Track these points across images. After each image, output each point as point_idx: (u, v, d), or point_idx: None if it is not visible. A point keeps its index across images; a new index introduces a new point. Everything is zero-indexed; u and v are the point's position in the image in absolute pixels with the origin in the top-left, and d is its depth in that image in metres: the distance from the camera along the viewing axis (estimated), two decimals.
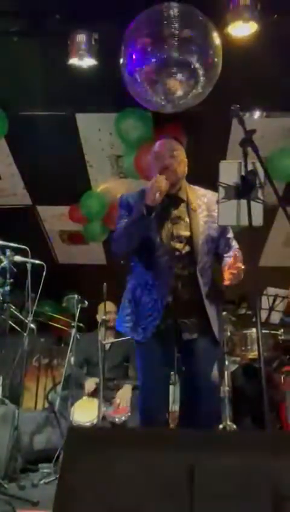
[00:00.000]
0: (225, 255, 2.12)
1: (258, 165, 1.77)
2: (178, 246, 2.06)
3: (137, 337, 2.09)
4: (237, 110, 1.80)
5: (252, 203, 1.72)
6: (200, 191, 2.18)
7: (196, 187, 2.20)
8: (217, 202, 1.84)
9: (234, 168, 1.80)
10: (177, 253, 2.06)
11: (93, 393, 3.51)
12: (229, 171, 1.81)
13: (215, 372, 2.12)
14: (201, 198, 2.15)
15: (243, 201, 1.75)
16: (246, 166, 1.74)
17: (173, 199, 2.10)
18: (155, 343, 2.05)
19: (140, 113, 3.80)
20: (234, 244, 2.16)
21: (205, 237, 2.08)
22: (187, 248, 2.07)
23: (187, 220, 2.10)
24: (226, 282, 2.00)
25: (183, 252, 2.07)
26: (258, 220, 1.77)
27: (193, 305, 2.05)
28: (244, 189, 1.75)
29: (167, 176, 2.01)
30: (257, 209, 1.76)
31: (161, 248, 2.05)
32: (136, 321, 2.09)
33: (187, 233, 2.08)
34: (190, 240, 2.07)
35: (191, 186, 2.19)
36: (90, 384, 3.58)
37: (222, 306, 2.31)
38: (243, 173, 1.75)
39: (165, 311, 2.03)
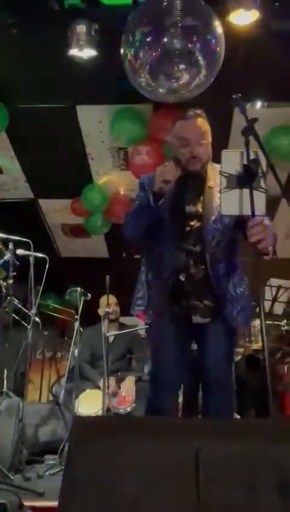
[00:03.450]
0: None
1: (260, 153, 1.76)
2: (190, 222, 2.01)
3: (149, 320, 2.05)
4: (239, 99, 1.78)
5: (255, 192, 1.71)
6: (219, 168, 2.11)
7: (217, 165, 2.05)
8: (220, 192, 1.81)
9: (237, 157, 1.78)
10: (187, 229, 2.00)
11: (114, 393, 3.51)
12: (231, 160, 1.79)
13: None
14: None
15: (246, 191, 1.74)
16: (248, 155, 1.72)
17: (189, 176, 2.03)
18: (168, 328, 2.00)
19: (133, 114, 3.83)
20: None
21: (217, 216, 1.99)
22: (198, 225, 2.01)
23: (202, 197, 2.04)
24: (250, 240, 1.75)
25: (194, 228, 2.01)
26: (260, 209, 1.76)
27: (207, 285, 1.98)
28: (247, 178, 1.74)
29: (193, 163, 1.97)
30: (260, 198, 1.75)
31: (171, 225, 2.00)
32: (148, 303, 2.05)
33: (200, 210, 2.02)
34: (201, 217, 2.01)
35: (213, 164, 2.10)
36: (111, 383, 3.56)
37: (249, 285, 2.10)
38: (245, 162, 1.74)
39: (178, 291, 1.98)
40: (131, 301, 2.15)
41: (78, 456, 1.04)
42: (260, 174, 1.78)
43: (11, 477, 2.65)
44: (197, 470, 0.98)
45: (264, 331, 1.63)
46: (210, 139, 2.06)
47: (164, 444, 1.04)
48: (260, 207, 1.76)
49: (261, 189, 1.79)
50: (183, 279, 1.98)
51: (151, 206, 1.92)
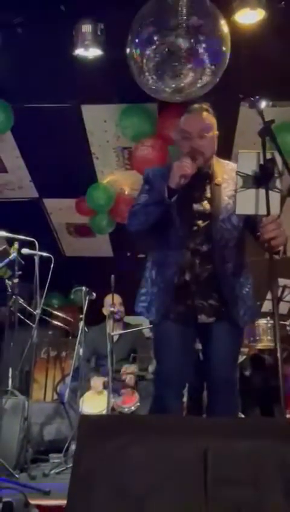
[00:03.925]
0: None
1: (276, 154, 1.76)
2: (197, 221, 1.97)
3: (153, 318, 2.01)
4: (255, 101, 1.79)
5: (270, 192, 1.71)
6: (229, 165, 2.05)
7: (225, 161, 2.08)
8: (235, 191, 1.80)
9: (253, 158, 1.77)
10: (195, 228, 1.97)
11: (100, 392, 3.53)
12: (248, 161, 1.79)
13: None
14: (229, 172, 2.00)
15: (261, 191, 1.73)
16: (265, 155, 1.72)
17: (196, 174, 1.95)
18: (172, 326, 1.97)
19: (142, 110, 3.83)
20: None
21: (229, 212, 1.96)
22: (206, 223, 1.97)
23: (209, 195, 2.00)
24: (264, 236, 1.73)
25: (202, 226, 1.97)
26: (275, 209, 1.76)
27: (212, 285, 1.95)
28: (263, 178, 1.74)
29: (195, 158, 1.90)
30: (275, 198, 1.75)
31: (178, 223, 1.95)
32: (150, 301, 2.01)
33: (208, 207, 1.98)
34: (209, 215, 1.97)
35: (220, 160, 2.07)
36: (97, 382, 3.58)
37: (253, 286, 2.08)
38: (261, 162, 1.74)
39: (182, 290, 1.95)
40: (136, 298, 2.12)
41: (85, 455, 1.04)
42: (276, 175, 1.78)
43: (17, 475, 2.67)
44: (205, 469, 0.98)
45: (278, 331, 1.62)
46: (216, 133, 2.02)
47: (171, 443, 1.04)
48: (275, 207, 1.77)
49: (277, 190, 1.79)
50: (188, 279, 1.96)
51: (164, 201, 1.86)
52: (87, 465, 1.03)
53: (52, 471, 2.86)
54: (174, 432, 1.08)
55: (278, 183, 1.75)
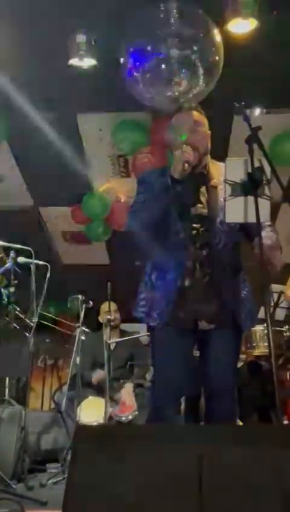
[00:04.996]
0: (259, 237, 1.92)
1: (264, 161, 1.77)
2: (195, 224, 1.96)
3: (152, 323, 1.98)
4: (242, 108, 1.80)
5: (259, 199, 1.72)
6: (222, 166, 2.03)
7: (220, 163, 2.05)
8: (224, 200, 1.81)
9: (241, 165, 1.78)
10: (194, 231, 1.96)
11: (99, 385, 3.52)
12: (235, 168, 1.79)
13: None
14: (223, 174, 1.97)
15: (250, 198, 1.74)
16: (252, 163, 1.73)
17: (192, 175, 1.95)
18: (172, 333, 1.95)
19: (135, 123, 3.88)
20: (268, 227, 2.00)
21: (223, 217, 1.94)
22: (205, 226, 1.96)
23: (205, 197, 1.99)
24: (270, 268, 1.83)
25: (201, 230, 1.96)
26: (265, 216, 1.76)
27: (213, 290, 1.94)
28: (251, 186, 1.75)
29: (188, 152, 1.88)
30: (264, 205, 1.76)
31: (178, 225, 1.94)
32: (151, 306, 1.99)
33: (205, 211, 1.98)
34: (207, 218, 1.96)
35: (215, 161, 2.07)
36: (99, 373, 3.57)
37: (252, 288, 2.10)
38: (249, 170, 1.75)
39: (182, 296, 1.93)
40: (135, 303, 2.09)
41: (81, 465, 1.04)
42: (264, 182, 1.79)
43: (14, 486, 2.65)
44: (200, 478, 0.98)
45: (271, 339, 1.62)
46: (209, 132, 2.03)
47: (166, 453, 1.04)
48: (265, 214, 1.77)
49: (266, 197, 1.80)
50: (188, 284, 1.94)
51: (168, 189, 1.85)
52: (82, 476, 1.03)
53: (50, 481, 2.85)
54: (169, 442, 1.08)
55: (267, 191, 1.76)
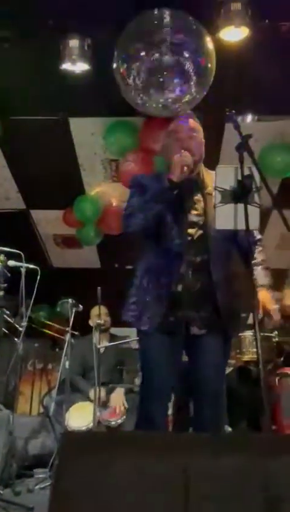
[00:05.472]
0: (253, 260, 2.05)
1: (254, 169, 1.79)
2: (190, 231, 1.99)
3: (143, 327, 1.98)
4: (233, 115, 1.82)
5: (249, 206, 1.74)
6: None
7: (213, 172, 2.07)
8: (214, 206, 1.83)
9: (231, 173, 1.81)
10: (189, 238, 1.98)
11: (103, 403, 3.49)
12: (225, 176, 1.82)
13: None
14: None
15: (240, 206, 1.77)
16: (242, 170, 1.76)
17: (188, 182, 1.99)
18: (162, 338, 1.96)
19: (126, 125, 3.90)
20: (256, 234, 2.08)
21: None
22: (199, 233, 1.99)
23: (202, 204, 2.02)
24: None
25: (196, 237, 1.99)
26: (254, 223, 1.79)
27: (205, 296, 1.96)
28: (241, 193, 1.77)
29: (186, 158, 1.94)
30: (254, 213, 1.78)
31: (173, 231, 1.97)
32: (142, 309, 1.99)
33: (201, 218, 2.00)
34: (203, 225, 1.99)
35: (208, 170, 2.11)
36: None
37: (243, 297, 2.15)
38: (239, 178, 1.77)
39: (174, 301, 1.94)
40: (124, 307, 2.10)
41: (66, 472, 1.03)
42: (254, 189, 1.81)
43: (0, 491, 2.63)
44: (186, 486, 0.98)
45: (259, 344, 1.64)
46: (203, 140, 2.07)
47: (153, 460, 1.04)
48: (254, 222, 1.79)
49: (255, 204, 1.82)
50: (180, 290, 1.95)
51: (167, 191, 1.89)
52: (68, 483, 1.03)
53: (37, 487, 2.83)
54: (157, 449, 1.08)
55: (256, 198, 1.78)
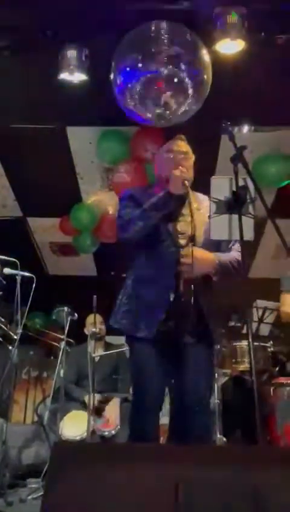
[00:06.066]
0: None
1: (249, 180, 1.81)
2: (182, 241, 2.08)
3: (139, 334, 2.01)
4: (228, 127, 1.85)
5: (244, 217, 1.76)
6: (200, 196, 2.22)
7: (196, 192, 2.23)
8: (209, 217, 1.88)
9: (225, 184, 1.84)
10: (181, 249, 2.07)
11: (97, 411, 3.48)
12: (220, 187, 1.86)
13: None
14: (202, 202, 2.18)
15: (235, 216, 1.79)
16: (237, 182, 1.78)
17: (180, 197, 2.11)
18: (155, 346, 2.00)
19: (118, 134, 3.95)
20: (236, 247, 2.16)
21: (205, 238, 2.09)
22: (190, 245, 2.08)
23: (189, 218, 2.11)
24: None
25: (185, 248, 2.08)
26: (249, 234, 1.81)
27: (194, 306, 2.03)
28: (236, 204, 1.80)
29: (183, 174, 2.06)
30: (248, 223, 1.81)
31: (169, 239, 2.07)
32: (138, 317, 2.03)
33: (189, 230, 2.10)
34: (192, 238, 2.09)
35: (194, 192, 2.22)
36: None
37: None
38: (234, 189, 1.80)
39: (168, 309, 2.00)
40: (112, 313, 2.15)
41: (57, 483, 1.03)
42: (248, 200, 1.84)
43: None
44: (176, 498, 0.98)
45: (252, 353, 1.64)
46: (192, 164, 2.20)
47: (144, 472, 1.04)
48: (248, 232, 1.82)
49: (250, 215, 1.85)
50: (172, 299, 2.00)
51: (168, 201, 2.00)
52: (58, 494, 1.02)
53: (30, 497, 2.80)
54: (147, 461, 1.08)
55: (251, 209, 1.81)
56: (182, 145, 2.19)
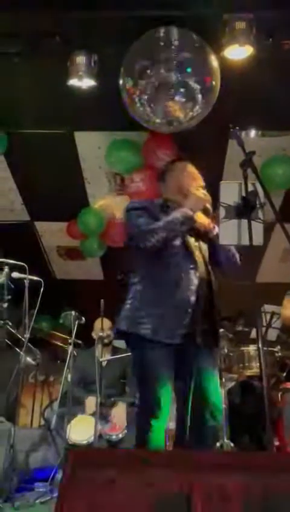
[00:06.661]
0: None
1: (258, 185, 1.82)
2: (197, 253, 2.19)
3: (162, 339, 2.01)
4: (236, 132, 1.86)
5: (253, 222, 1.77)
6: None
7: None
8: (218, 222, 1.91)
9: (235, 189, 1.85)
10: (197, 252, 2.18)
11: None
12: (229, 192, 1.86)
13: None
14: None
15: (244, 221, 1.80)
16: (246, 187, 1.78)
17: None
18: (167, 350, 2.02)
19: (128, 143, 3.96)
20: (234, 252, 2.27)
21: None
22: (201, 256, 2.20)
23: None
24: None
25: (203, 252, 2.22)
26: (258, 239, 1.81)
27: (207, 310, 2.10)
28: (245, 209, 1.80)
29: (204, 193, 2.16)
30: (258, 228, 1.81)
31: (190, 247, 2.15)
32: (158, 323, 2.03)
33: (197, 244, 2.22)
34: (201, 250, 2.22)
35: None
36: (91, 403, 3.54)
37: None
38: (243, 194, 1.80)
39: (191, 313, 2.04)
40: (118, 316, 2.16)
41: (69, 489, 1.04)
42: (258, 206, 1.84)
43: (0, 505, 2.61)
44: (189, 504, 0.98)
45: (262, 359, 1.64)
46: None
47: (156, 479, 1.04)
48: (258, 237, 1.82)
49: (259, 220, 1.85)
50: (192, 303, 2.05)
51: (188, 221, 2.10)
52: (71, 501, 1.03)
53: (37, 501, 2.80)
54: (158, 467, 1.08)
55: (260, 214, 1.81)
56: (194, 168, 2.30)
